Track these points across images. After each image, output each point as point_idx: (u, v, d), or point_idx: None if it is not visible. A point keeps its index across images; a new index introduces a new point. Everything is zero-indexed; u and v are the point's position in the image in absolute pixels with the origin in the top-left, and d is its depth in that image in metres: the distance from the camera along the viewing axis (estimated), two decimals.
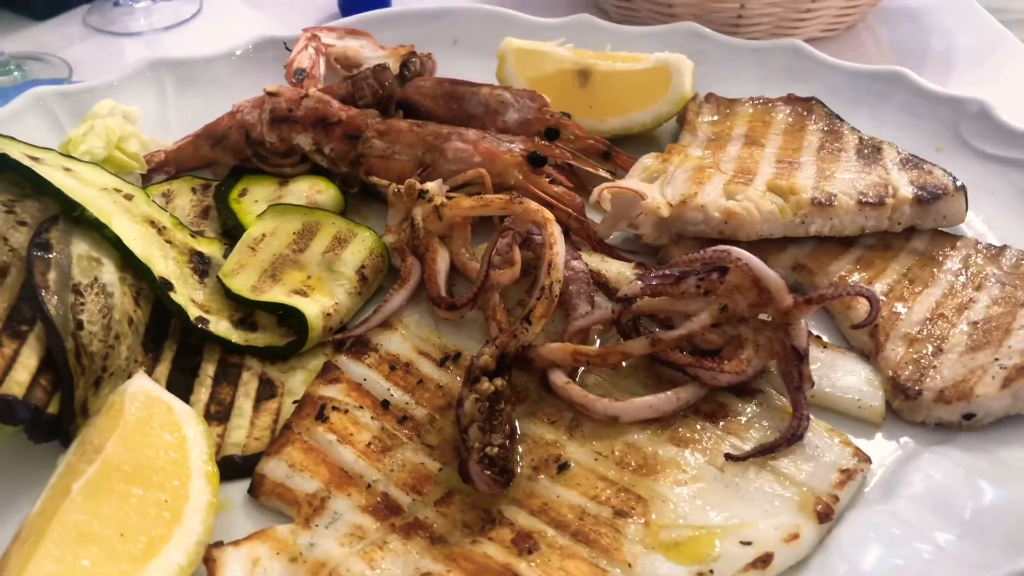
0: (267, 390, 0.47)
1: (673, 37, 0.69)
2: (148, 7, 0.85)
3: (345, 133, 0.58)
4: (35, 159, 0.50)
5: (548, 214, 0.48)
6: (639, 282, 0.44)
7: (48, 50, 0.80)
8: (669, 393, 0.43)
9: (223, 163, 0.61)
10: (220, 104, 0.65)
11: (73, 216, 0.47)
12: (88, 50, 0.80)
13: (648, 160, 0.56)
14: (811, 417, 0.43)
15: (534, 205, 0.48)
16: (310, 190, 0.56)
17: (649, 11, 0.79)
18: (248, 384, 0.47)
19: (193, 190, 0.59)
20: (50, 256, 0.44)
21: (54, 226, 0.46)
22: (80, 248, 0.46)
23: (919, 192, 0.52)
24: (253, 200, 0.56)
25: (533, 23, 0.71)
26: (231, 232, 0.55)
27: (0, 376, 0.41)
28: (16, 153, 0.50)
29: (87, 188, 0.49)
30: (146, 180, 0.60)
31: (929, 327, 0.48)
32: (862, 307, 0.49)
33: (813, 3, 0.75)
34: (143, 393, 0.43)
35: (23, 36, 0.82)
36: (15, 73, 0.75)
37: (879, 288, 0.50)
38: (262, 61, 0.68)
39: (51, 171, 0.49)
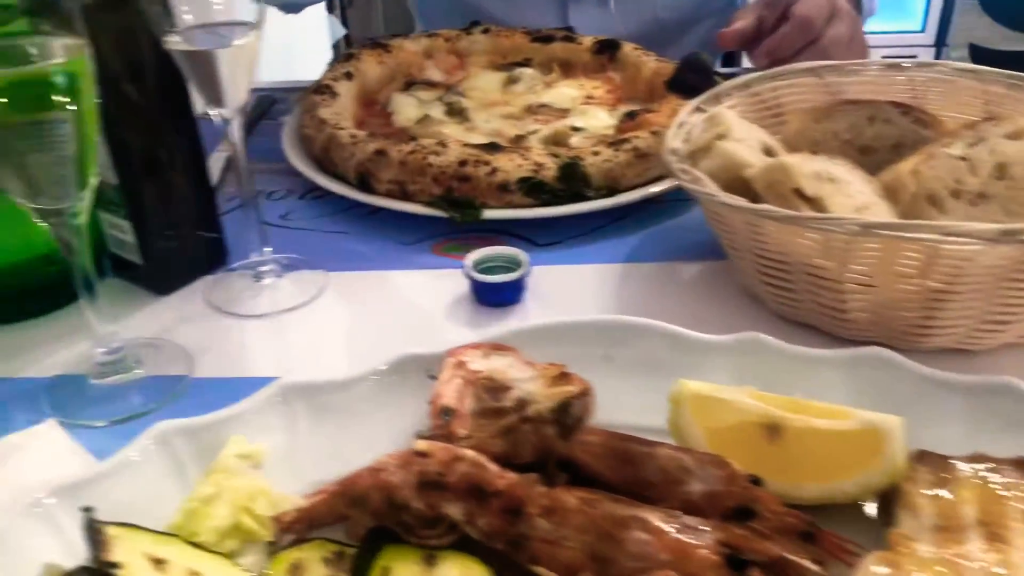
0: None
1: (860, 367, 0.61)
2: (274, 283, 0.81)
3: (504, 507, 0.50)
4: (160, 562, 0.43)
5: None
6: None
7: (168, 333, 0.76)
8: None
9: (360, 522, 0.54)
10: (353, 433, 0.59)
11: None
12: (209, 334, 0.76)
13: (878, 570, 0.46)
14: None
15: None
16: None
17: (813, 308, 0.72)
18: None
19: (326, 561, 0.51)
20: None
21: None
22: None
23: None
24: None
25: (695, 341, 0.64)
26: None
27: None
28: (137, 555, 0.43)
29: None
30: (274, 543, 0.53)
31: None
32: None
33: (1012, 309, 0.66)
34: None
35: (143, 314, 0.79)
36: (136, 370, 0.70)
37: None
38: (400, 383, 0.62)
39: None
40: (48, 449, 0.61)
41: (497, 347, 0.64)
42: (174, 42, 0.67)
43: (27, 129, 0.54)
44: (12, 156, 0.54)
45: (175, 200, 0.79)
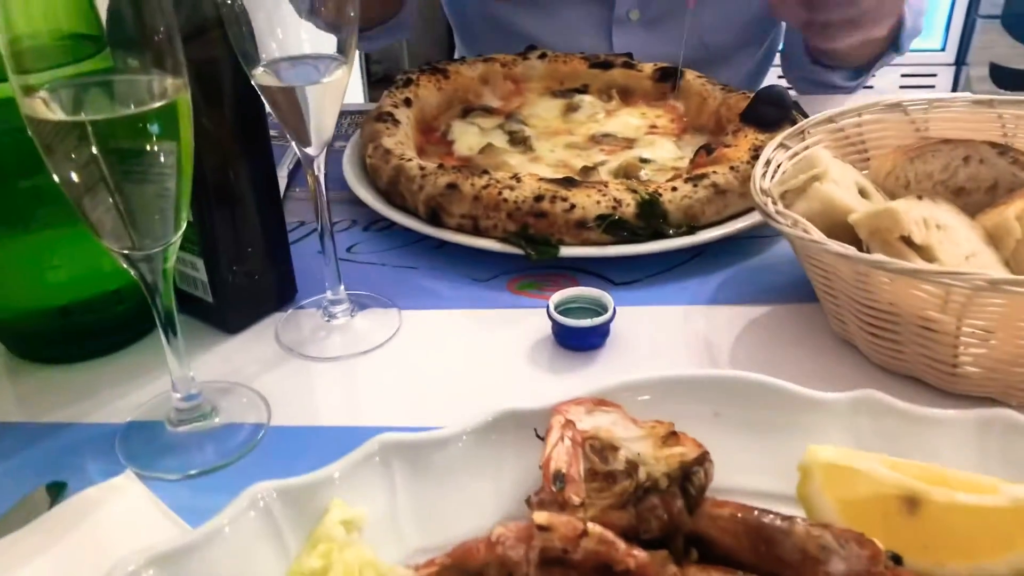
0: None
1: (988, 430, 0.58)
2: (347, 323, 0.78)
3: None
4: None
5: None
6: None
7: (241, 376, 0.73)
8: None
9: None
10: (454, 494, 0.57)
11: None
12: (282, 378, 0.73)
13: None
14: None
15: None
16: None
17: (919, 360, 0.68)
18: None
19: None
20: None
21: None
22: None
23: None
24: None
25: (806, 398, 0.61)
26: None
27: None
28: None
29: None
30: None
31: None
32: None
33: None
34: None
35: (212, 355, 0.76)
36: (215, 418, 0.67)
37: None
38: (501, 441, 0.59)
39: None
40: (130, 506, 0.59)
41: (600, 402, 0.61)
42: (260, 76, 0.65)
43: (133, 169, 0.52)
44: (115, 198, 0.52)
45: (249, 235, 0.76)
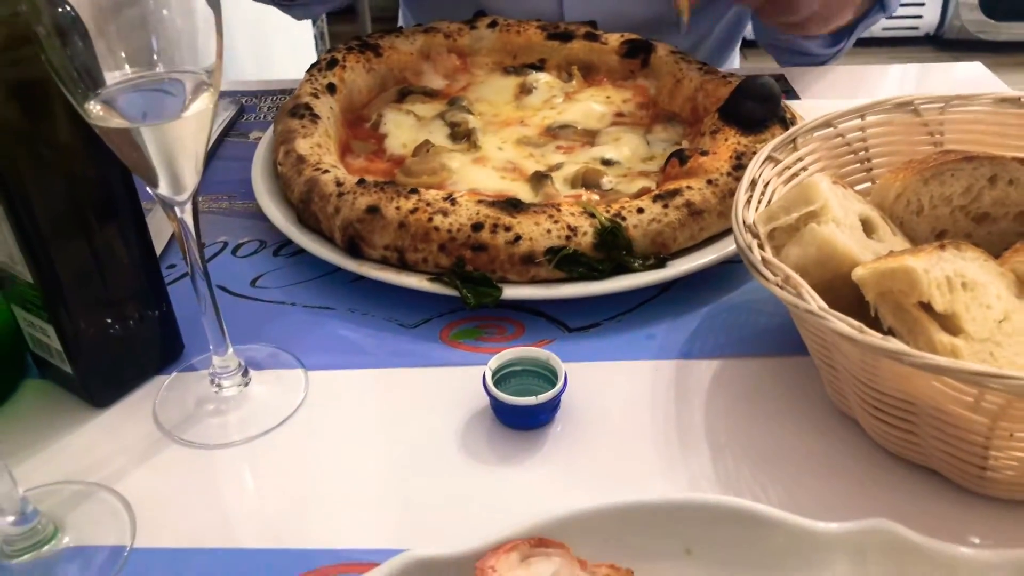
0: None
1: None
2: (240, 394, 0.64)
3: None
4: None
5: None
6: None
7: (104, 471, 0.59)
8: None
9: None
10: None
11: None
12: (156, 474, 0.59)
13: None
14: None
15: None
16: None
17: (938, 456, 0.56)
18: None
19: None
20: None
21: None
22: None
23: None
24: None
25: (805, 530, 0.48)
26: None
27: None
28: None
29: None
30: None
31: None
32: None
33: None
34: None
35: (73, 437, 0.62)
36: (63, 539, 0.53)
37: None
38: None
39: None
40: None
41: (540, 542, 0.48)
42: (96, 114, 0.49)
43: None
44: None
45: (111, 287, 0.61)
